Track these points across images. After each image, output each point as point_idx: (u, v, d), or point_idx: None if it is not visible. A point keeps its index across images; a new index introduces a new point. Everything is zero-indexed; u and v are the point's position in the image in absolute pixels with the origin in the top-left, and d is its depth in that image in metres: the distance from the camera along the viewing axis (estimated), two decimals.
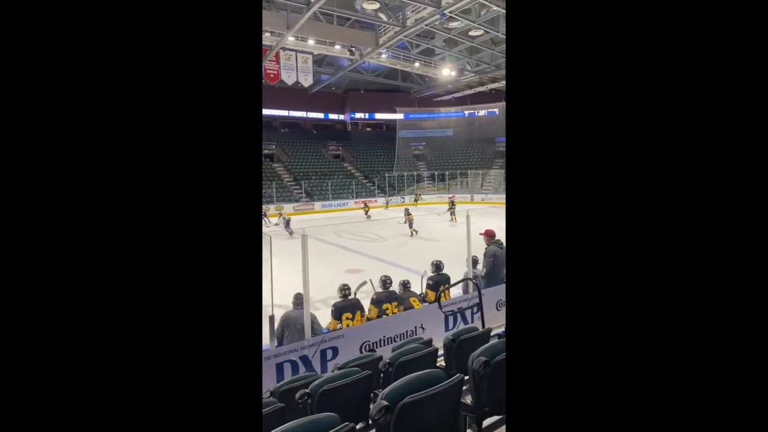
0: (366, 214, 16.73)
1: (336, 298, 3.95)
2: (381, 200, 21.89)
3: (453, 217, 14.48)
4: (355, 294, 4.02)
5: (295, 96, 25.03)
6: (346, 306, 3.78)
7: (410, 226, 11.96)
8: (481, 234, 4.52)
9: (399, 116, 27.85)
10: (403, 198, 22.91)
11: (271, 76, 17.56)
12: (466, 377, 1.77)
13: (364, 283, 4.38)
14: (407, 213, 12.33)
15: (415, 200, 21.95)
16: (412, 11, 14.27)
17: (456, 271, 4.60)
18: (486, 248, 4.54)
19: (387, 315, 3.86)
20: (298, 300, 3.58)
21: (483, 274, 4.41)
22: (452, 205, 14.98)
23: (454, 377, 1.52)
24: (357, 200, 19.90)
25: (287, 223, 13.19)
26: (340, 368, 2.35)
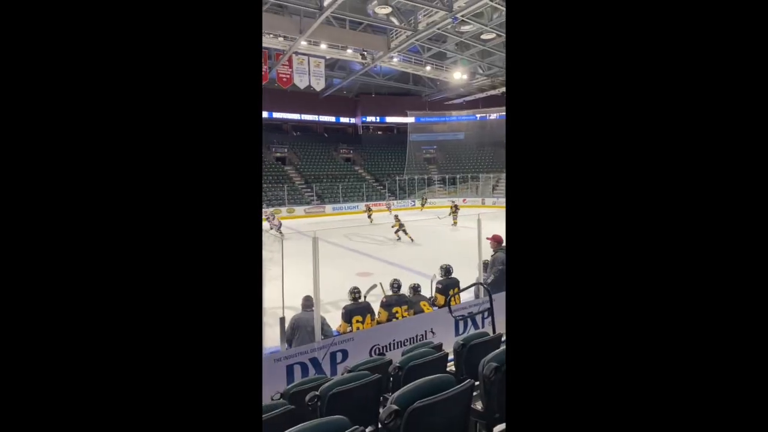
0: (369, 218, 16.44)
1: (345, 300, 3.95)
2: (391, 204, 21.82)
3: (455, 221, 14.39)
4: (365, 297, 4.02)
5: (307, 100, 25.29)
6: (356, 309, 3.78)
7: (397, 231, 11.77)
8: (488, 239, 4.47)
9: (410, 120, 27.89)
10: (414, 201, 22.87)
11: (284, 80, 17.77)
12: (477, 383, 1.76)
13: (374, 286, 4.38)
14: (397, 219, 12.14)
15: (422, 204, 21.85)
16: (424, 15, 14.31)
17: (462, 274, 4.57)
18: (493, 255, 4.48)
19: (397, 318, 3.85)
20: (308, 302, 3.60)
21: (490, 281, 4.33)
22: (455, 209, 14.87)
23: (464, 382, 1.51)
24: (367, 203, 19.86)
25: (279, 226, 13.33)
26: (349, 371, 2.35)
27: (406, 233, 11.72)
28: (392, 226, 11.93)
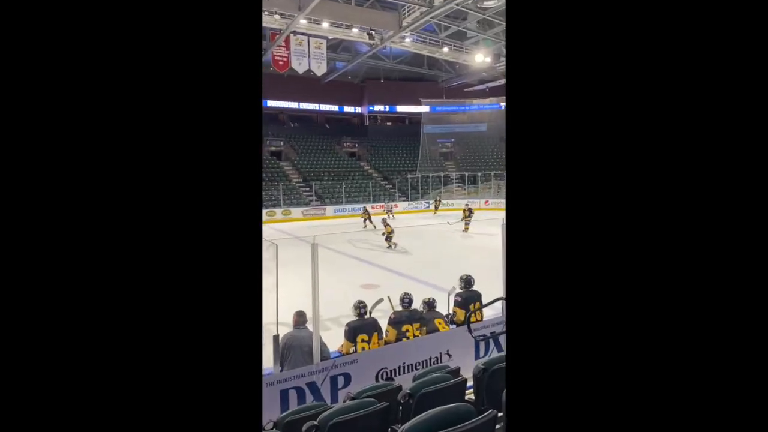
0: (364, 222, 15.99)
1: (348, 316, 3.95)
2: (392, 206, 21.71)
3: (466, 227, 14.41)
4: (371, 313, 4.01)
5: (306, 86, 25.48)
6: (361, 326, 3.77)
7: (387, 239, 11.85)
8: None
9: (424, 109, 27.97)
10: (428, 203, 22.86)
11: (280, 63, 17.93)
12: (500, 414, 1.74)
13: (381, 300, 4.37)
14: (385, 224, 12.19)
15: (435, 207, 21.75)
16: None
17: (482, 287, 4.53)
18: None
19: (407, 338, 3.84)
20: (301, 318, 3.58)
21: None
22: (469, 213, 14.77)
23: (486, 414, 1.50)
24: (373, 205, 19.84)
25: None
26: (352, 398, 2.35)
27: (390, 239, 11.87)
28: (382, 233, 12.04)
